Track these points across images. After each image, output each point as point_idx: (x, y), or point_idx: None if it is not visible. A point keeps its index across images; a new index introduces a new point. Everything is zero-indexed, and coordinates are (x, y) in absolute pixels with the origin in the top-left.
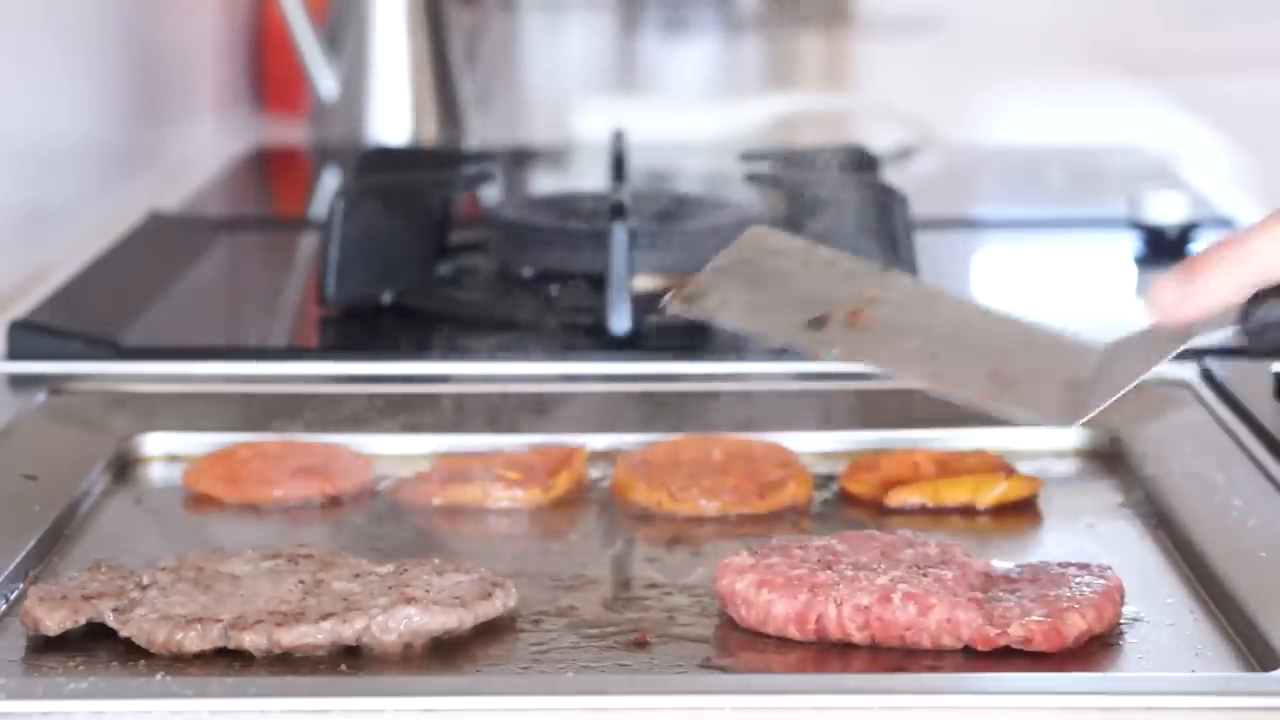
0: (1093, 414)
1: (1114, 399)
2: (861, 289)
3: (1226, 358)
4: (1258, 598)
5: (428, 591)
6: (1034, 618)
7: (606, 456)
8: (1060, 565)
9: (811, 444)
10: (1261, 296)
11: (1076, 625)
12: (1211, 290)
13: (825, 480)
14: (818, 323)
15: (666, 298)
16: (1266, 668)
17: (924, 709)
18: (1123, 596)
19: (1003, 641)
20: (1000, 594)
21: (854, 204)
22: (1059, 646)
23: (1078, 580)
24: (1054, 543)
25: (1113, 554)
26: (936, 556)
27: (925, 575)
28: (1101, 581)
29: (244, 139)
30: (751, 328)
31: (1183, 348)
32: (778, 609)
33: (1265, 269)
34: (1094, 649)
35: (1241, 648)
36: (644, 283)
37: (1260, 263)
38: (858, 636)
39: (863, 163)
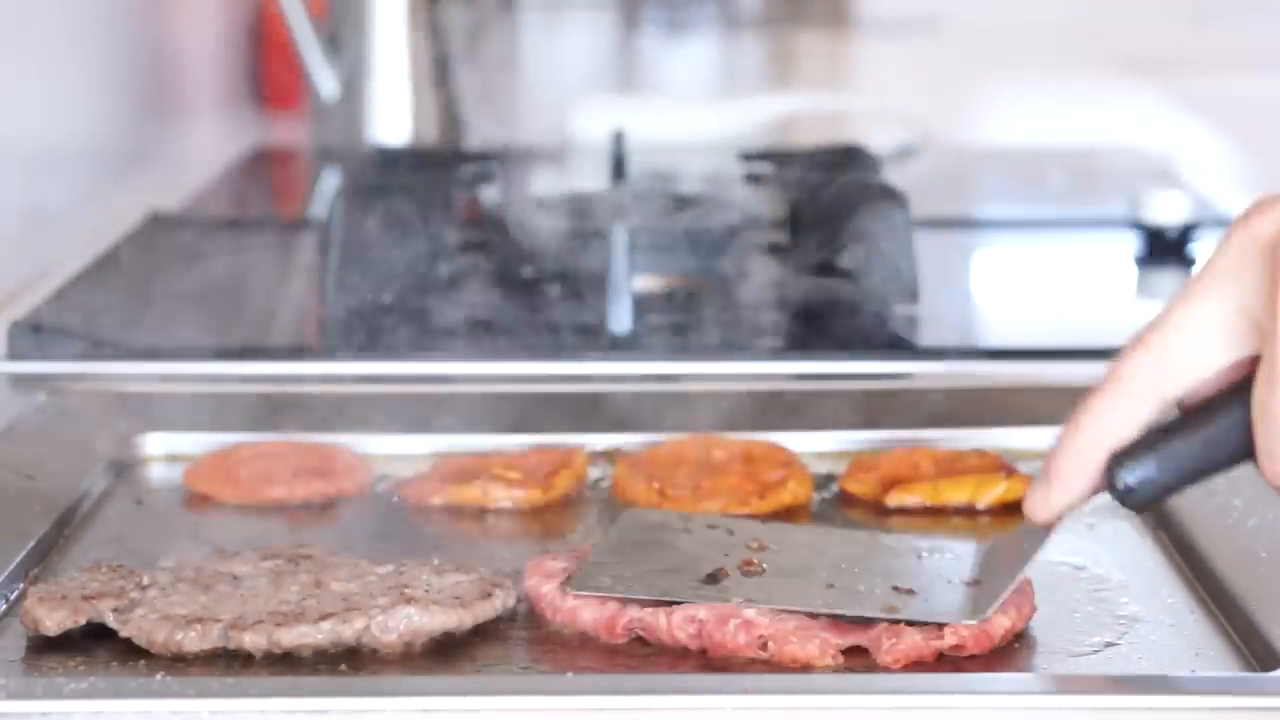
0: (995, 608)
1: (1008, 592)
2: (748, 540)
3: None
4: (1258, 598)
5: (428, 591)
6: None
7: (606, 456)
8: None
9: (811, 444)
10: (1120, 457)
11: (1001, 625)
12: (1069, 486)
13: (825, 480)
14: (713, 578)
15: (567, 583)
16: (1266, 668)
17: (925, 709)
18: (1032, 590)
19: (937, 650)
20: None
21: (854, 204)
22: (989, 648)
23: None
24: (1054, 543)
25: (1113, 554)
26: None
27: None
28: None
29: (244, 139)
30: (650, 594)
31: (1056, 532)
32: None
33: (1110, 441)
34: (1016, 647)
35: (1241, 648)
36: (644, 283)
37: (1103, 439)
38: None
39: (863, 163)
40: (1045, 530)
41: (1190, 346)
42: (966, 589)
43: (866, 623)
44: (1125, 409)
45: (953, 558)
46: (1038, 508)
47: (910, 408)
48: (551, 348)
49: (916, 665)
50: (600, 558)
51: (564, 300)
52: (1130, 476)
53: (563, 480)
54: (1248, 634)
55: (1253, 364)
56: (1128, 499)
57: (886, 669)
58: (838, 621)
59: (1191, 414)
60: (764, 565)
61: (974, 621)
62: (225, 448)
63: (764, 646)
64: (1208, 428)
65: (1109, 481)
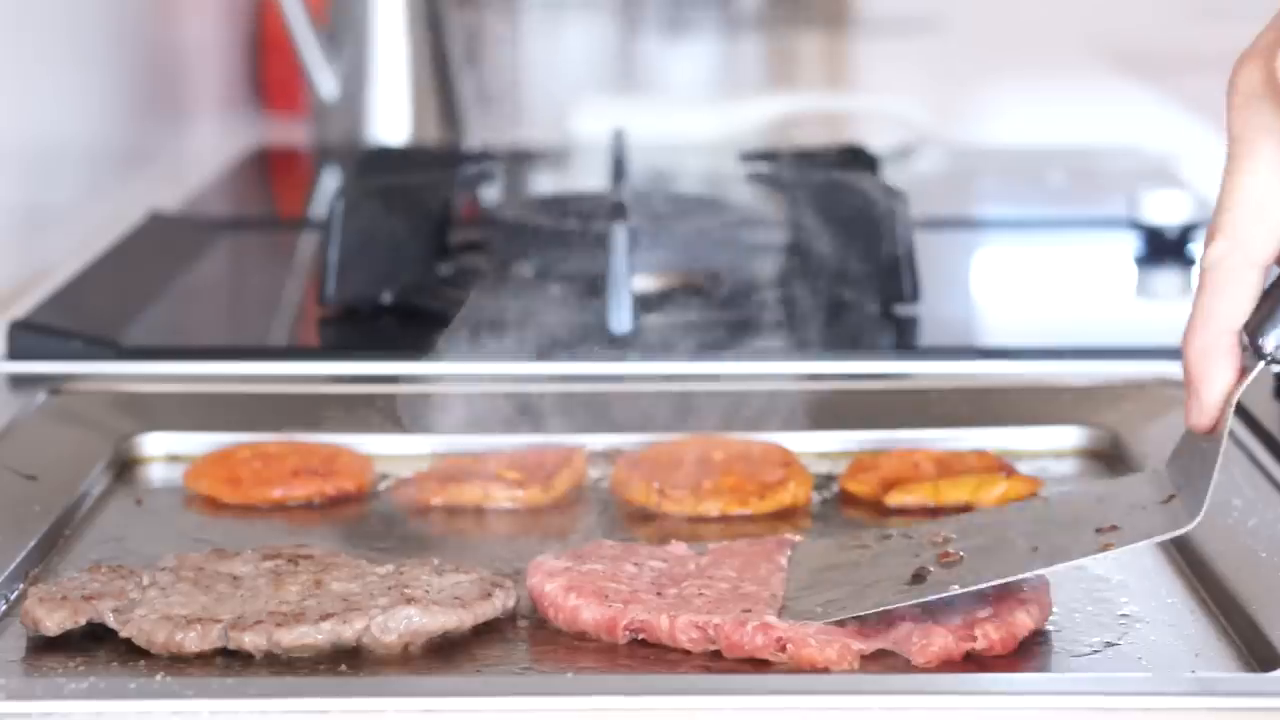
0: (1205, 507)
1: (1211, 489)
2: (929, 536)
3: None
4: (1258, 598)
5: (428, 591)
6: (988, 624)
7: (606, 456)
8: None
9: (811, 444)
10: (1252, 329)
11: (1025, 625)
12: (1214, 383)
13: (825, 480)
14: (918, 578)
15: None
16: (1266, 668)
17: (925, 710)
18: (1049, 589)
19: (966, 650)
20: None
21: (854, 204)
22: (1014, 648)
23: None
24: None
25: (1112, 554)
26: None
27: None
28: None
29: (244, 139)
30: (867, 609)
31: (1231, 419)
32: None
33: (1231, 325)
34: (1038, 649)
35: (1241, 648)
36: (644, 283)
37: (1223, 326)
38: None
39: (863, 163)
40: (1216, 435)
41: (1259, 209)
42: (1164, 507)
43: (891, 624)
44: (1229, 293)
45: (1132, 489)
46: (1198, 417)
47: (910, 408)
48: (551, 348)
49: (946, 666)
50: (796, 593)
51: (564, 300)
52: (1271, 339)
53: (563, 480)
54: (1248, 634)
55: None
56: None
57: (917, 670)
58: (862, 627)
59: None
60: (960, 553)
61: (1194, 523)
62: (225, 448)
63: (783, 649)
64: None
65: (1256, 353)
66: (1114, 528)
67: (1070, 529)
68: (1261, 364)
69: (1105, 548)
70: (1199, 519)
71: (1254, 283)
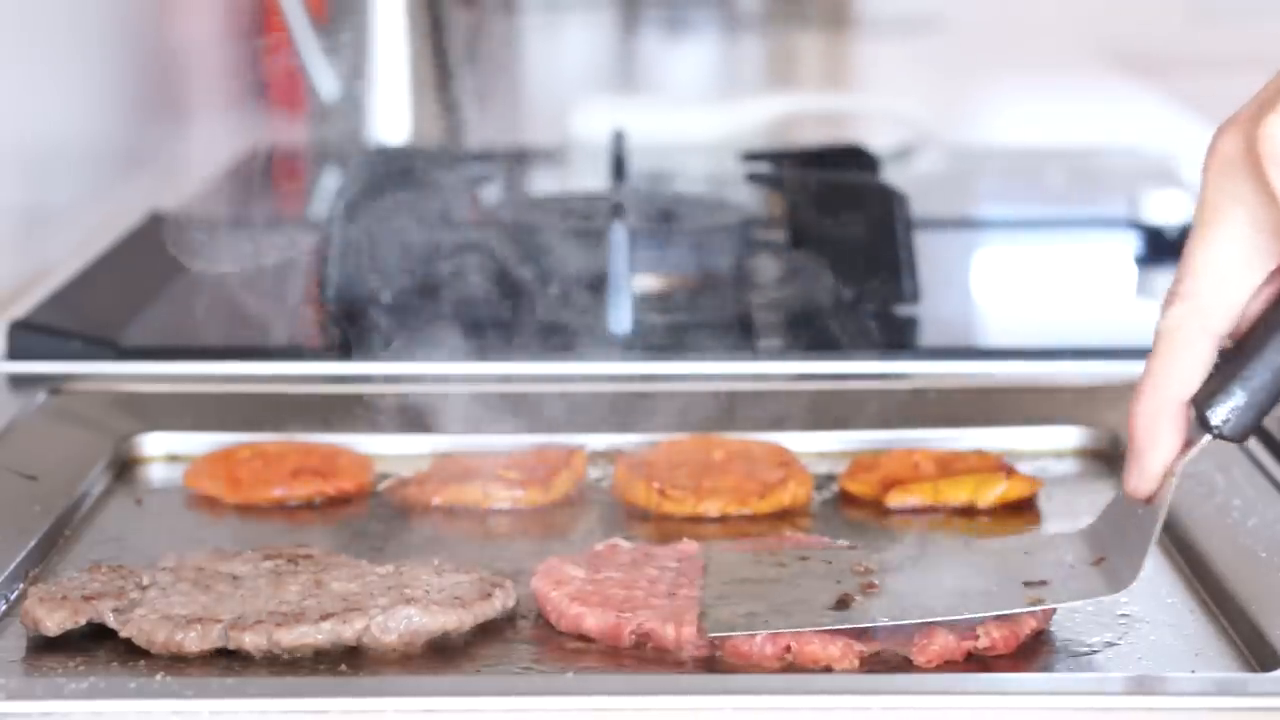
0: (1138, 577)
1: (1146, 560)
2: (851, 565)
3: None
4: (1258, 598)
5: (427, 591)
6: (992, 622)
7: (606, 456)
8: None
9: (811, 444)
10: (1201, 400)
11: (1029, 625)
12: (1158, 450)
13: (825, 480)
14: (841, 604)
15: (704, 628)
16: (1266, 668)
17: (925, 709)
18: None
19: (968, 650)
20: None
21: (854, 204)
22: (1015, 647)
23: None
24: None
25: None
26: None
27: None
28: None
29: (244, 139)
30: (793, 627)
31: (1174, 488)
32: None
33: (1179, 394)
34: (1044, 650)
35: (1241, 648)
36: (644, 283)
37: (1172, 394)
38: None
39: (863, 163)
40: (1155, 505)
41: (1221, 280)
42: (1094, 569)
43: (892, 630)
44: (1183, 360)
45: (1058, 548)
46: (1137, 483)
47: (910, 408)
48: (551, 348)
49: (946, 665)
50: (714, 601)
51: (564, 300)
52: (1219, 413)
53: (563, 480)
54: (1248, 634)
55: None
56: (1227, 434)
57: (917, 670)
58: (865, 632)
59: (1248, 336)
60: (880, 586)
61: (1122, 591)
62: (225, 448)
63: (787, 650)
64: (1274, 339)
65: (1203, 425)
66: (1043, 583)
67: (997, 578)
68: (1207, 438)
69: (1035, 601)
70: (1130, 587)
71: (1208, 352)
